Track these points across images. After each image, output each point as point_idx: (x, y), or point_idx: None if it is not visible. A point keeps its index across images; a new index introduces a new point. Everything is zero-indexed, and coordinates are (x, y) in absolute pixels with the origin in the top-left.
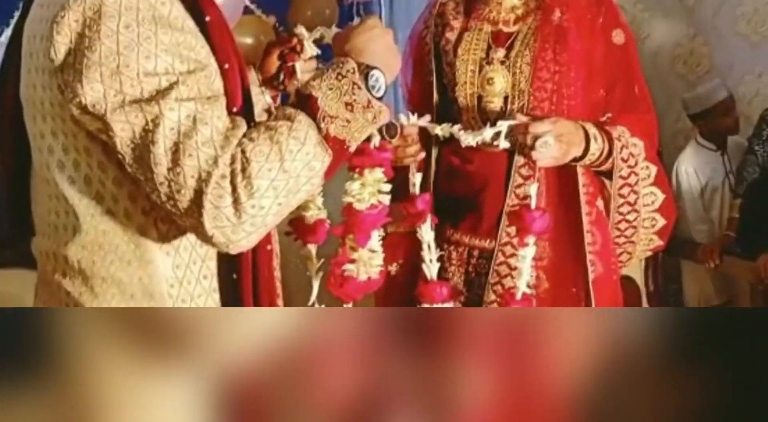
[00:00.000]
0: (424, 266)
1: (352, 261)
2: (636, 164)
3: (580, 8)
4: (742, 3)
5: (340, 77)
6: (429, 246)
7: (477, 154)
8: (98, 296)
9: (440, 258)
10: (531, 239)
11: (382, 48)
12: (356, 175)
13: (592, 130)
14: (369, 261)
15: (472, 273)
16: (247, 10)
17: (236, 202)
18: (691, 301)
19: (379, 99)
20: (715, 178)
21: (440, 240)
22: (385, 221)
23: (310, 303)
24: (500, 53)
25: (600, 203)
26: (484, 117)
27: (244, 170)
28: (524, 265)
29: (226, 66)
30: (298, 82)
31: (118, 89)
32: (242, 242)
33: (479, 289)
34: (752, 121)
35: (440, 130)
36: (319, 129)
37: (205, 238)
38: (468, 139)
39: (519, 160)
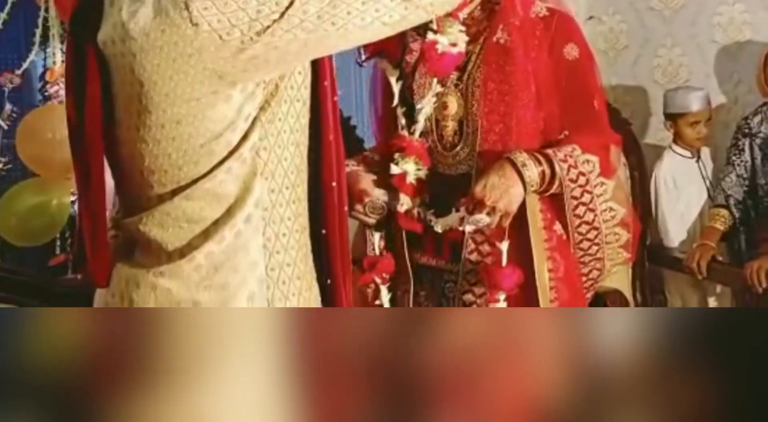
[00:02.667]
0: None
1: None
2: (588, 182)
3: (526, 26)
4: (717, 12)
5: None
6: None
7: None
8: (208, 235)
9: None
10: (501, 295)
11: None
12: None
13: (521, 158)
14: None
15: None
16: None
17: None
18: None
19: None
20: (691, 185)
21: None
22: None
23: None
24: (454, 76)
25: (558, 227)
26: (443, 141)
27: None
28: None
29: None
30: None
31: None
32: None
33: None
34: (731, 129)
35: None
36: None
37: None
38: (437, 227)
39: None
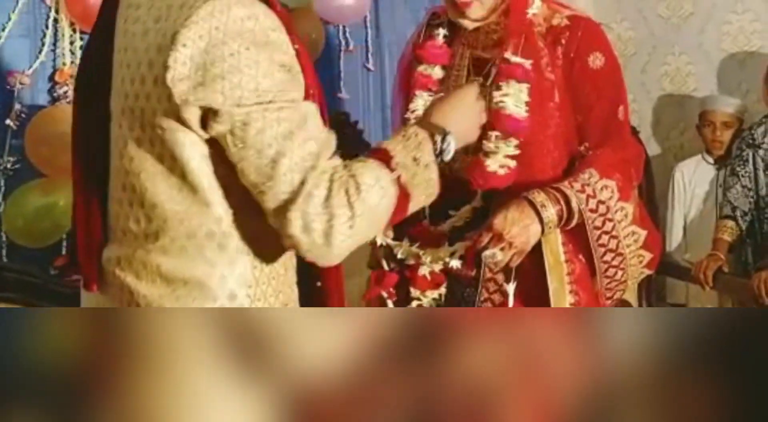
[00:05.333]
0: None
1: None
2: (608, 210)
3: (551, 34)
4: (725, 20)
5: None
6: None
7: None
8: (179, 299)
9: None
10: None
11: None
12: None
13: (539, 199)
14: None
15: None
16: None
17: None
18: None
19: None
20: (700, 187)
21: None
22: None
23: None
24: (478, 81)
25: (582, 257)
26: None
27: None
28: None
29: (311, 91)
30: None
31: (237, 100)
32: None
33: None
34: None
35: (402, 253)
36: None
37: None
38: (427, 260)
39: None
